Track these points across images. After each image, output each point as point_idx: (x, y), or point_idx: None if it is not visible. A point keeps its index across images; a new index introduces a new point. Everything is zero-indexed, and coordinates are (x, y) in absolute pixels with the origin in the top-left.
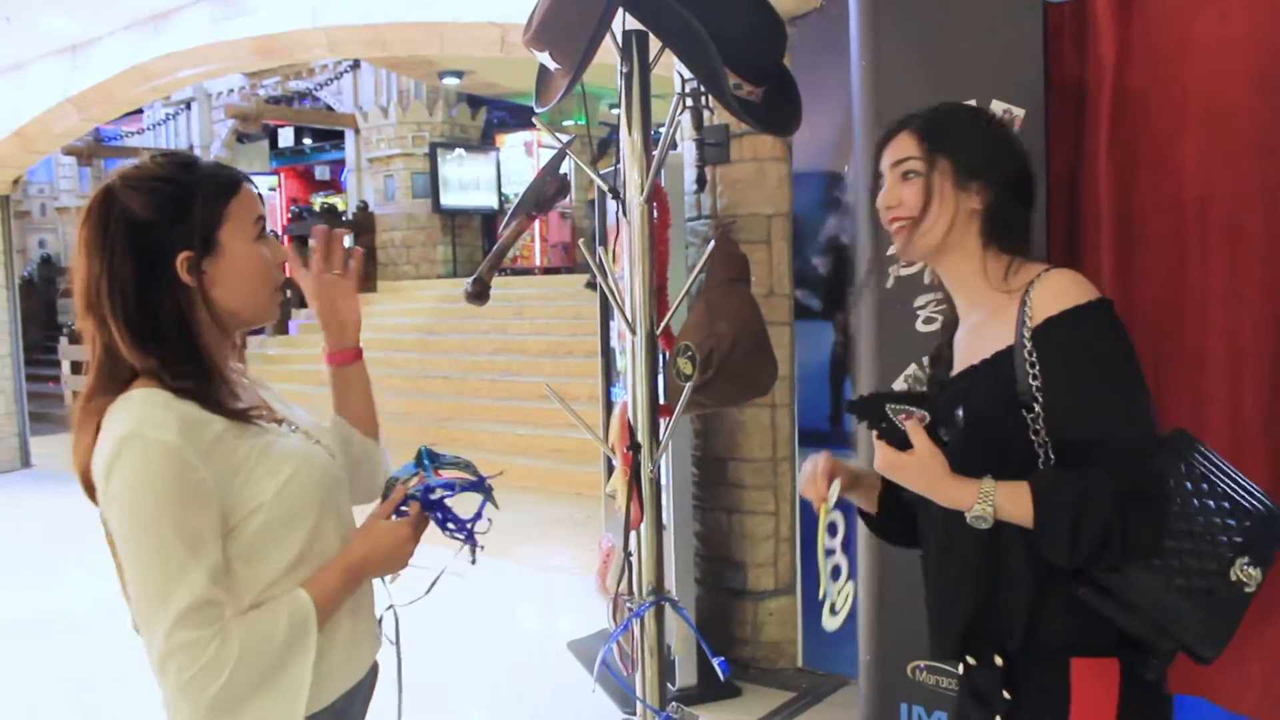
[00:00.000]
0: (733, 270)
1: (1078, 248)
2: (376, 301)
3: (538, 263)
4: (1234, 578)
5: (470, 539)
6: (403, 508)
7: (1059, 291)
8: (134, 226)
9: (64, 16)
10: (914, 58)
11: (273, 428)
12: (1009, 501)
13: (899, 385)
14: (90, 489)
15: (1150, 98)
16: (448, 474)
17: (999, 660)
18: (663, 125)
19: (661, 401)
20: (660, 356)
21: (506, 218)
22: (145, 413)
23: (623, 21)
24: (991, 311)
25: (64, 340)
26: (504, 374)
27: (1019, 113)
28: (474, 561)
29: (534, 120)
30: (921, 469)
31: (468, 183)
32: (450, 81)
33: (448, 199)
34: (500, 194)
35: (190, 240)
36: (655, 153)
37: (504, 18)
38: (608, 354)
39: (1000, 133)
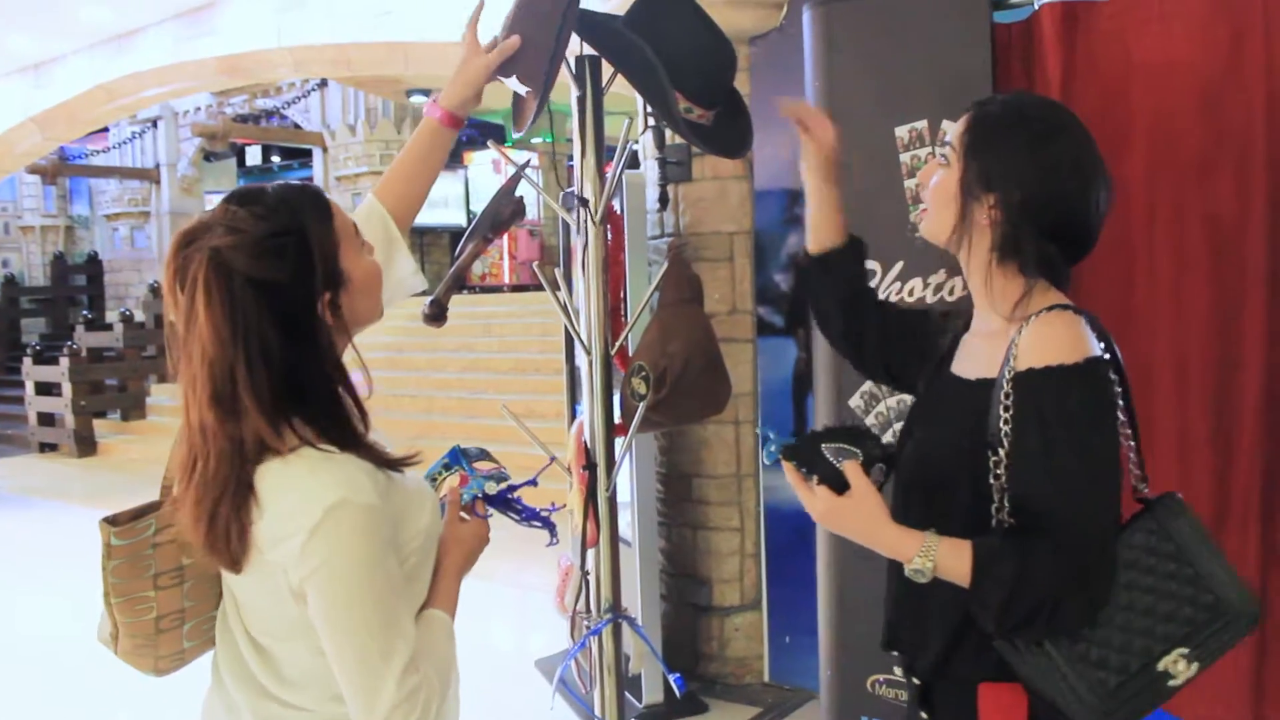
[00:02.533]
0: (685, 291)
1: None
2: None
3: (506, 280)
4: (1162, 667)
5: (549, 524)
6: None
7: (1047, 342)
8: (264, 290)
9: (25, 35)
10: (866, 77)
11: (401, 477)
12: (949, 560)
13: (855, 401)
14: (234, 566)
15: (1095, 116)
16: (482, 466)
17: (915, 680)
18: (633, 142)
19: (617, 420)
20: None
21: (463, 240)
22: (347, 475)
23: (580, 48)
24: (990, 334)
25: (27, 360)
26: (472, 392)
27: None
28: (554, 542)
29: (489, 144)
30: (860, 515)
31: (435, 200)
32: (418, 99)
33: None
34: (469, 211)
35: (322, 280)
36: (608, 175)
37: None
38: (573, 372)
39: (1045, 158)
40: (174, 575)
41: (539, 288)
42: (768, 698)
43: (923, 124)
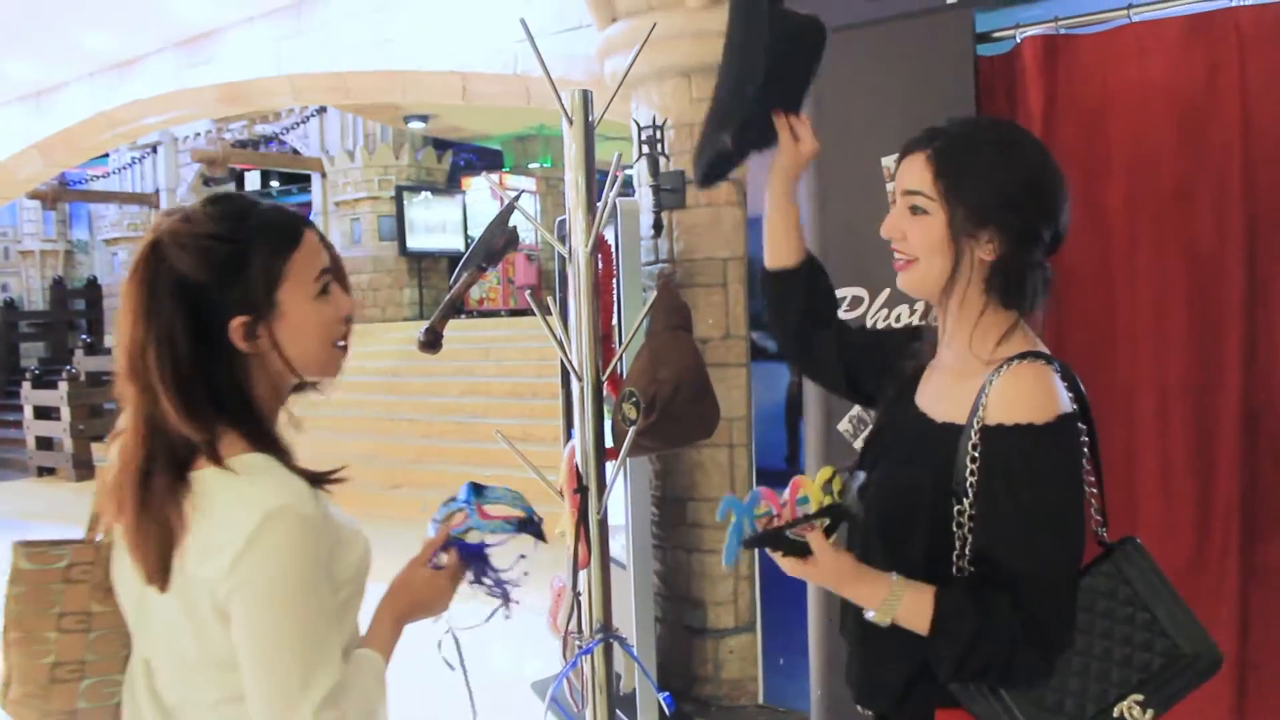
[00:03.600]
0: (675, 319)
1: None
2: None
3: (504, 305)
4: (1117, 713)
5: (505, 597)
6: (441, 553)
7: (1019, 397)
8: (183, 288)
9: (28, 62)
10: (855, 105)
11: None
12: (910, 610)
13: (844, 426)
14: (162, 573)
15: (1076, 146)
16: (494, 510)
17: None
18: (627, 167)
19: (608, 445)
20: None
21: (458, 269)
22: (288, 483)
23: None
24: (961, 373)
25: (26, 385)
26: (471, 416)
27: None
28: (508, 617)
29: (485, 177)
30: (828, 573)
31: (434, 225)
32: (416, 125)
33: (414, 242)
34: (466, 236)
35: (245, 304)
36: (599, 206)
37: (465, 66)
38: (568, 398)
39: (1018, 159)
40: (80, 619)
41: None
42: (762, 719)
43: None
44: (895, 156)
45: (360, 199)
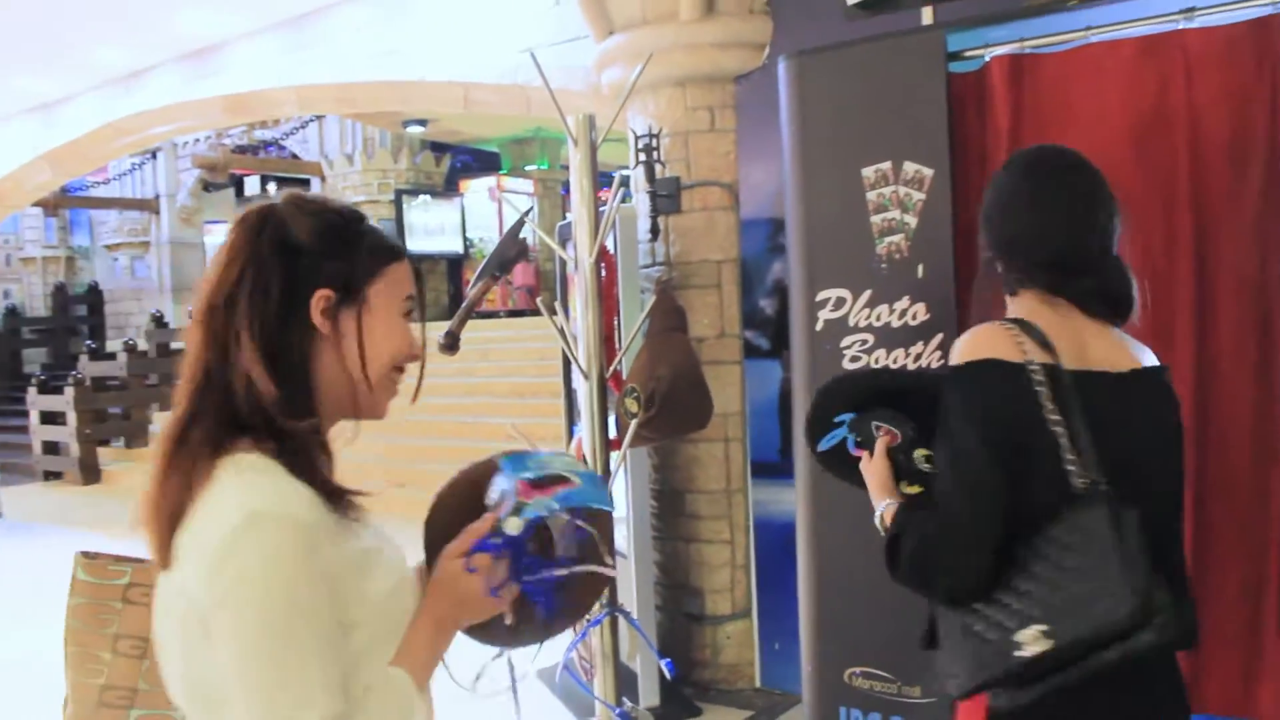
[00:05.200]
0: (671, 320)
1: (990, 295)
2: None
3: (502, 305)
4: (1017, 637)
5: (544, 603)
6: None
7: (958, 347)
8: (286, 246)
9: (38, 76)
10: (835, 122)
11: (359, 527)
12: (888, 517)
13: None
14: (164, 548)
15: None
16: (541, 480)
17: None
18: (624, 168)
19: (612, 436)
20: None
21: (474, 277)
22: (275, 483)
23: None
24: None
25: (32, 390)
26: (472, 416)
27: (928, 172)
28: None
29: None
30: (867, 472)
31: (433, 228)
32: (414, 129)
33: (413, 244)
34: (465, 239)
35: (337, 279)
36: (603, 218)
37: (467, 77)
38: (570, 395)
39: (1000, 192)
40: (136, 644)
41: (535, 313)
42: (759, 702)
43: (887, 165)
44: (875, 167)
45: (360, 202)
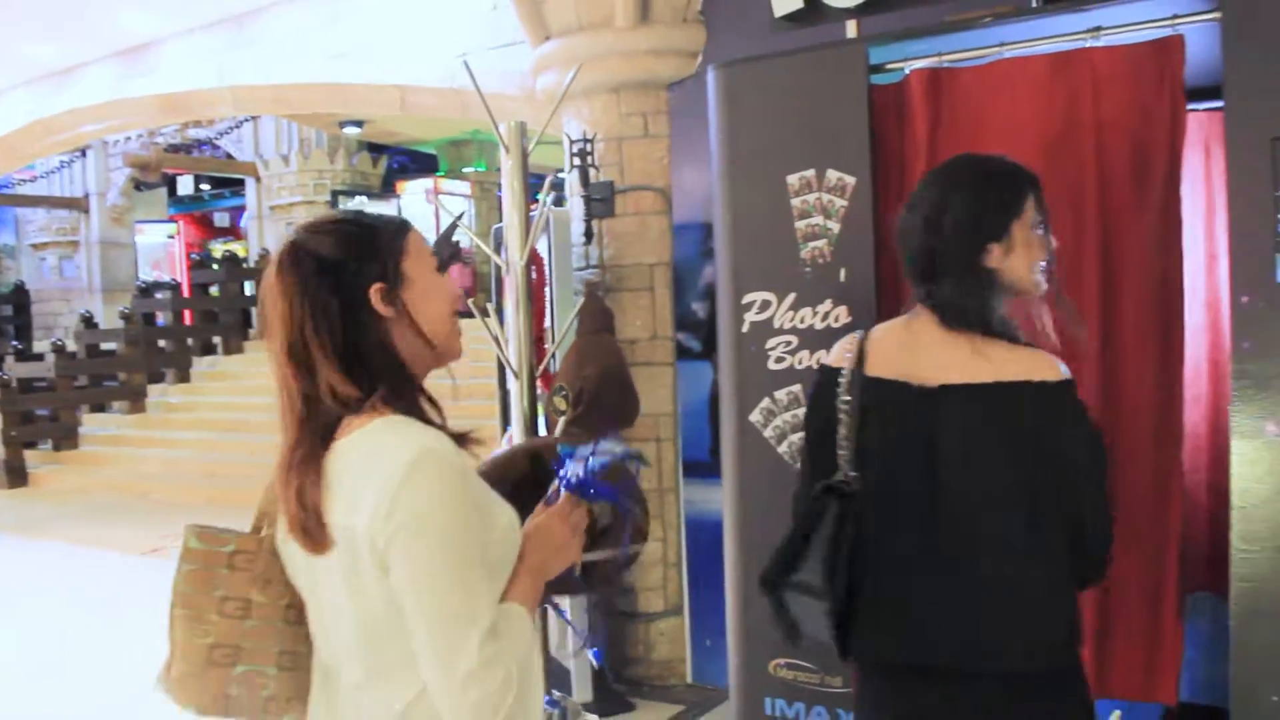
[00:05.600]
0: (599, 322)
1: (903, 295)
2: None
3: None
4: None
5: (620, 499)
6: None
7: None
8: (326, 266)
9: None
10: (762, 130)
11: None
12: None
13: (754, 417)
14: (311, 533)
15: None
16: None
17: None
18: (561, 171)
19: (541, 434)
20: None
21: None
22: (430, 433)
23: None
24: None
25: None
26: None
27: (850, 180)
28: (632, 554)
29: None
30: None
31: None
32: (351, 130)
33: None
34: None
35: (382, 273)
36: (534, 223)
37: (404, 79)
38: (505, 396)
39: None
40: (240, 605)
41: (469, 315)
42: (690, 697)
43: (811, 172)
44: (799, 175)
45: (296, 203)
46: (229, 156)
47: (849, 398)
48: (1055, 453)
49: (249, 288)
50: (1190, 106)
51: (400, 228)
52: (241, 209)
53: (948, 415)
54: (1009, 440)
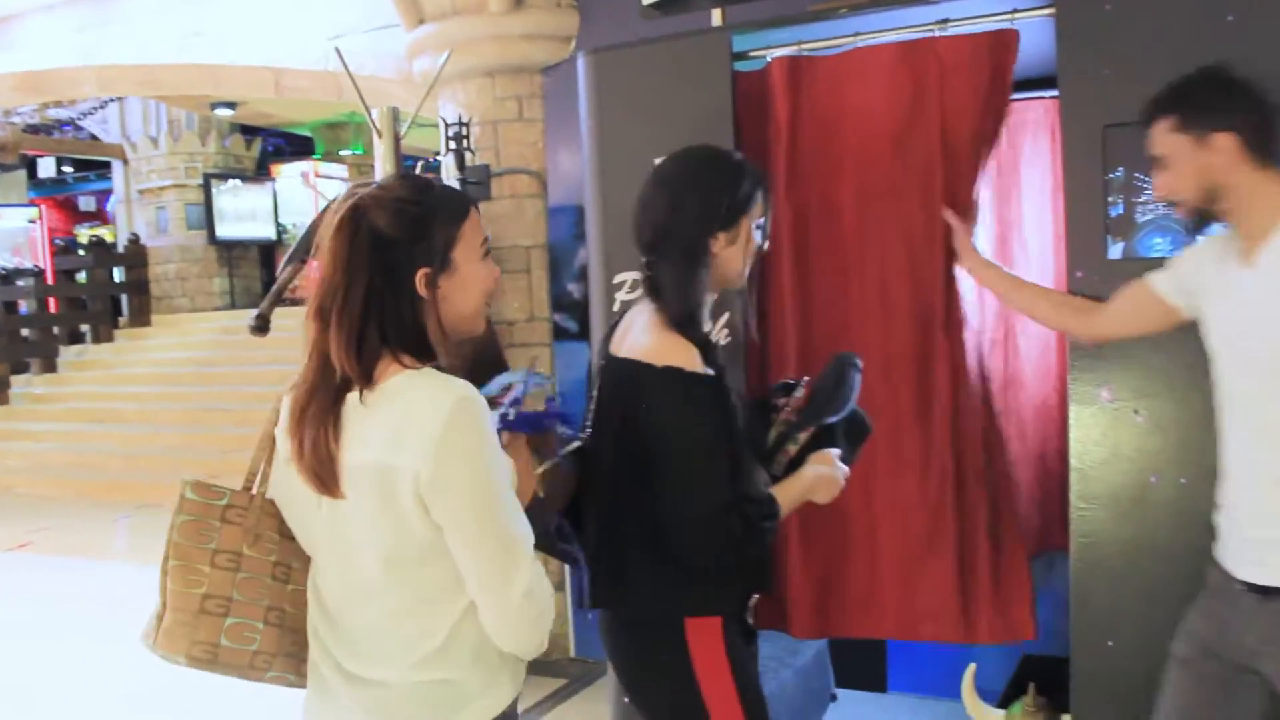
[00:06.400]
0: None
1: (768, 274)
2: (151, 336)
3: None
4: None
5: (549, 419)
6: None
7: None
8: (379, 242)
9: None
10: (630, 115)
11: None
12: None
13: None
14: (324, 478)
15: (815, 151)
16: (499, 392)
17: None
18: (438, 153)
19: None
20: None
21: (284, 261)
22: (456, 381)
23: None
24: None
25: None
26: None
27: None
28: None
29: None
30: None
31: (244, 214)
32: (223, 112)
33: (224, 230)
34: (278, 224)
35: (428, 258)
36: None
37: (278, 61)
38: None
39: None
40: (231, 558)
41: None
42: (573, 670)
43: None
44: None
45: (166, 186)
46: (94, 138)
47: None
48: (649, 430)
49: (119, 274)
50: (1039, 94)
51: (459, 212)
52: (108, 192)
53: (602, 386)
54: (623, 412)
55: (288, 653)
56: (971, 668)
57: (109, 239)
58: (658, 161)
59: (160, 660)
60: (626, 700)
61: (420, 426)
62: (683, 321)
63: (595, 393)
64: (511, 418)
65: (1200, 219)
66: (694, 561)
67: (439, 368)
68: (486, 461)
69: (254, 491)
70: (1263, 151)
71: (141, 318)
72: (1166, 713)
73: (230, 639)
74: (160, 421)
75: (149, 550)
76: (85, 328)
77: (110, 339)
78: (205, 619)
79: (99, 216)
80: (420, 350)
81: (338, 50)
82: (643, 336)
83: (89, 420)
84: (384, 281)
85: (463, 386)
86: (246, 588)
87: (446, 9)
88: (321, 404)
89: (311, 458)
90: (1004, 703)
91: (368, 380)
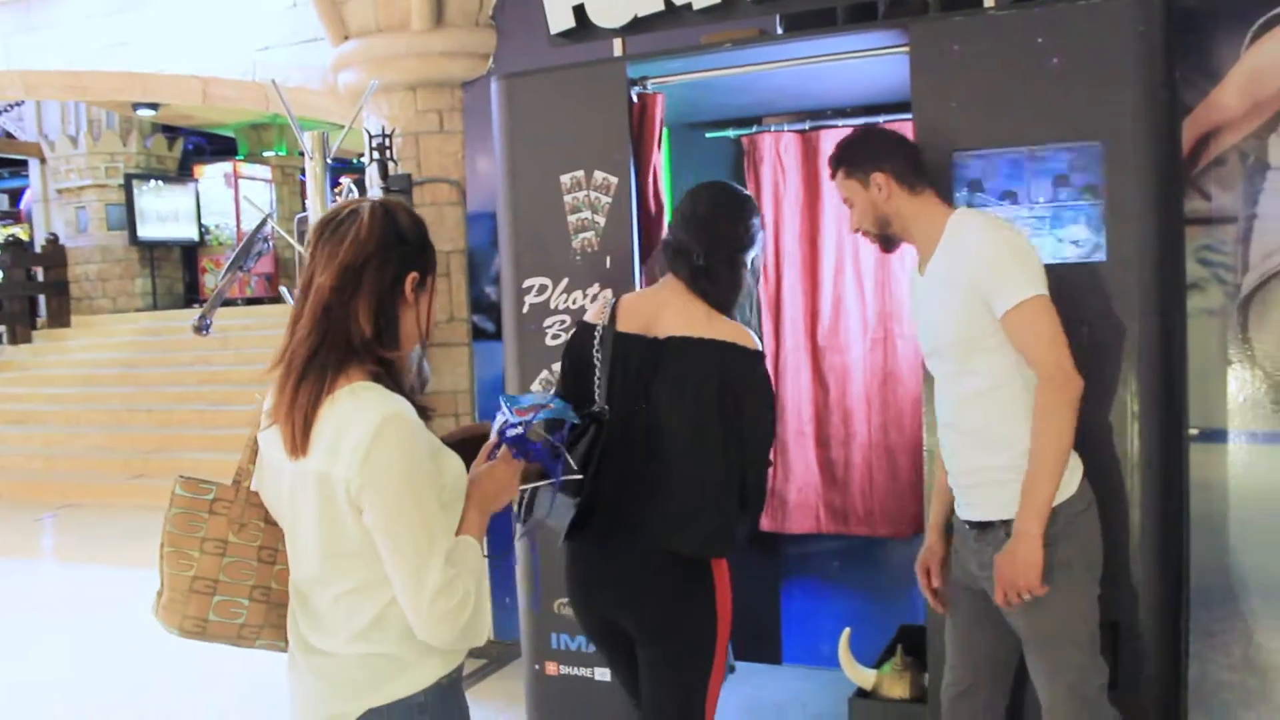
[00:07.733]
0: None
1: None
2: (71, 338)
3: (240, 294)
4: None
5: (548, 463)
6: (496, 451)
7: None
8: (401, 236)
9: None
10: (538, 134)
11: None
12: None
13: (535, 388)
14: (301, 439)
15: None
16: (528, 407)
17: None
18: (363, 156)
19: None
20: None
21: (224, 268)
22: (389, 395)
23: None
24: None
25: None
26: (211, 404)
27: (614, 180)
28: (565, 486)
29: (234, 168)
30: None
31: (166, 214)
32: (145, 113)
33: (145, 231)
34: (200, 225)
35: (422, 266)
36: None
37: (205, 71)
38: None
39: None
40: (218, 545)
41: (274, 300)
42: (492, 651)
43: (581, 173)
44: (570, 175)
45: (86, 186)
46: (9, 136)
47: (598, 345)
48: (744, 397)
49: (38, 274)
50: (904, 117)
51: (433, 249)
52: (22, 190)
53: (666, 360)
54: (705, 384)
55: (274, 624)
56: (846, 632)
57: (24, 237)
58: (709, 183)
59: (161, 629)
60: (634, 634)
61: (350, 440)
62: (730, 313)
63: (614, 368)
64: (509, 435)
65: (887, 241)
66: (756, 506)
67: (393, 385)
68: (405, 476)
69: (241, 486)
70: (912, 180)
71: (61, 318)
72: (948, 635)
73: (218, 614)
74: (82, 422)
75: (72, 549)
76: (1, 328)
77: (28, 340)
78: (195, 597)
79: (14, 216)
80: (389, 339)
81: (273, 83)
82: (712, 322)
83: (8, 422)
84: (391, 275)
85: (395, 404)
86: (232, 570)
87: (371, 26)
88: (312, 394)
89: (290, 430)
90: (878, 664)
91: (376, 347)
